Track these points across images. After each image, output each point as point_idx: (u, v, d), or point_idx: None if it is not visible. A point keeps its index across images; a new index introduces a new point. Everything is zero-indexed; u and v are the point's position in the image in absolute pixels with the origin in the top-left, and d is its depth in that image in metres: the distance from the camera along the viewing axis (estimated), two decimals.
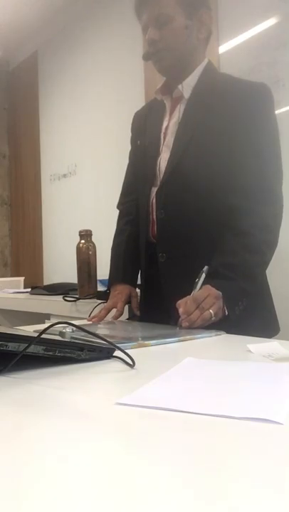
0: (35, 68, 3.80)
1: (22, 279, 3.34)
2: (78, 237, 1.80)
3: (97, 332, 0.79)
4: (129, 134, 1.44)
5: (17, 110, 4.06)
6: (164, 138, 1.25)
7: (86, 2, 3.15)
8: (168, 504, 0.27)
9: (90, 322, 1.23)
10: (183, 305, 1.00)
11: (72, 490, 0.29)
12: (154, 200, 1.24)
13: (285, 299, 1.43)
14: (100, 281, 1.82)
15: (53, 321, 1.15)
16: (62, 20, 3.40)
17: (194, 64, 1.22)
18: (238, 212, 1.11)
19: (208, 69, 1.24)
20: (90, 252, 1.78)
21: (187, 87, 1.21)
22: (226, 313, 1.03)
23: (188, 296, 1.02)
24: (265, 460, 0.34)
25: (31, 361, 0.62)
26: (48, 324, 0.69)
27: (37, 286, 2.58)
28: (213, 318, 1.00)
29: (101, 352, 0.70)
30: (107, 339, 0.72)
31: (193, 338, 0.90)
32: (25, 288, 3.08)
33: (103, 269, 1.62)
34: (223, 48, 2.20)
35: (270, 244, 1.12)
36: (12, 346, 0.59)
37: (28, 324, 1.14)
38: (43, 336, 0.62)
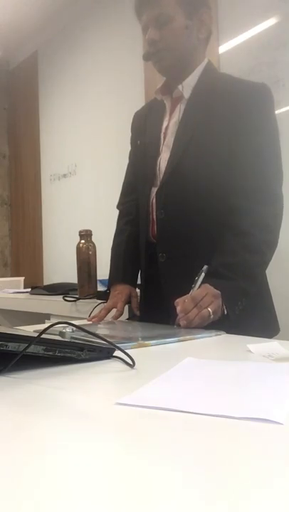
0: (35, 68, 3.80)
1: (22, 279, 3.34)
2: (78, 237, 1.80)
3: (97, 332, 0.79)
4: (129, 134, 1.44)
5: (17, 110, 4.06)
6: (164, 138, 1.25)
7: (86, 2, 3.15)
8: (168, 504, 0.27)
9: (90, 322, 1.23)
10: (181, 303, 1.00)
11: (72, 490, 0.29)
12: (154, 200, 1.24)
13: (285, 299, 1.43)
14: (100, 281, 1.82)
15: (53, 321, 1.15)
16: (62, 20, 3.40)
17: (194, 64, 1.22)
18: (238, 212, 1.11)
19: (208, 69, 1.24)
20: (90, 252, 1.78)
21: (187, 87, 1.21)
22: (226, 312, 1.03)
23: (186, 295, 1.02)
24: (265, 460, 0.34)
25: (31, 361, 0.62)
26: (48, 324, 0.69)
27: (37, 286, 2.58)
28: (212, 317, 1.00)
29: (101, 352, 0.70)
30: (107, 339, 0.72)
31: (193, 338, 0.90)
32: (25, 288, 3.08)
33: (103, 269, 1.62)
34: (223, 48, 2.20)
35: (270, 245, 1.13)
36: (12, 346, 0.59)
37: (28, 324, 1.14)
38: (43, 336, 0.62)
